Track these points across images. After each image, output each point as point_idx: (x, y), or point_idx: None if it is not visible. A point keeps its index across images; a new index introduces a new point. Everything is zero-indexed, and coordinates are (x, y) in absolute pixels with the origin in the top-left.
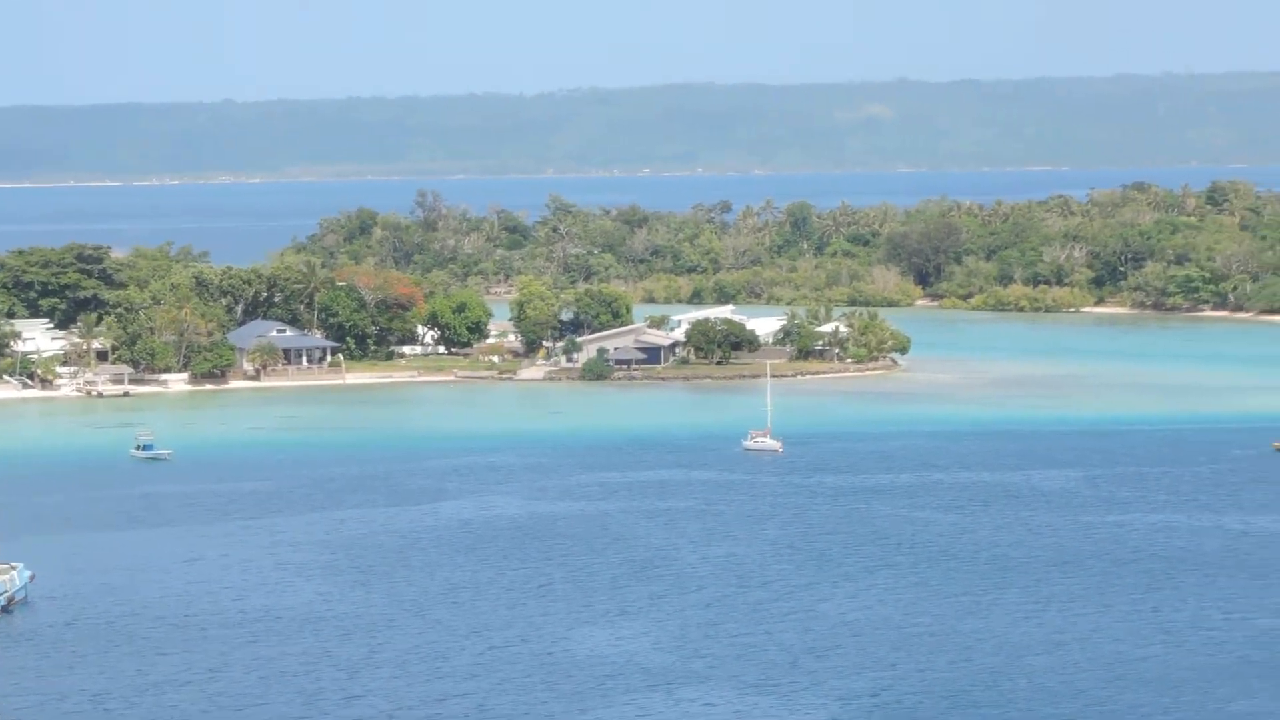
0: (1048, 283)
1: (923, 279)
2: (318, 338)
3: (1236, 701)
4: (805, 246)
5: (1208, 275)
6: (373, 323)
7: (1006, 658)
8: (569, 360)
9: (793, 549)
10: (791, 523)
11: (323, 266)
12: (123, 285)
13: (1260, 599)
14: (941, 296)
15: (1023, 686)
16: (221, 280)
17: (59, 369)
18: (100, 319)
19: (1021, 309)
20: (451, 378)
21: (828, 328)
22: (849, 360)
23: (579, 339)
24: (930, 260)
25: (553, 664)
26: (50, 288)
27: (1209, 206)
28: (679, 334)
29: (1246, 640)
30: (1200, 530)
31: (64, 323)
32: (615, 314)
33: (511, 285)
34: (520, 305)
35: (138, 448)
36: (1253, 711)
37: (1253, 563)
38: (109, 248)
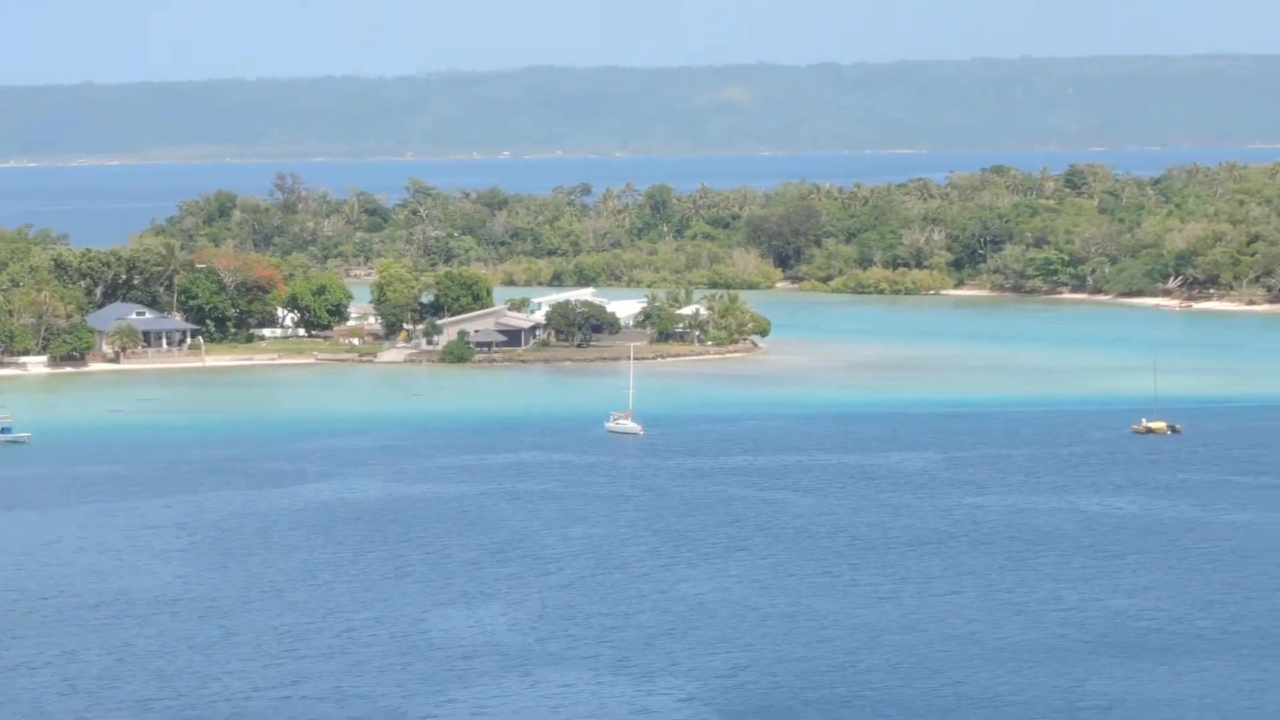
0: (907, 265)
1: (783, 262)
2: (177, 320)
3: (1091, 680)
4: (665, 229)
5: (1066, 258)
6: (232, 305)
7: (863, 638)
8: (429, 343)
9: (651, 531)
10: (650, 504)
11: (182, 249)
12: None
13: (1115, 580)
14: (801, 279)
15: (878, 666)
16: (80, 263)
17: None
18: None
19: (881, 291)
20: (311, 360)
21: (688, 310)
22: (709, 343)
23: (439, 321)
24: (790, 243)
25: (409, 646)
26: None
27: (1067, 189)
28: (539, 316)
29: (1101, 620)
30: (1057, 512)
31: None
32: (476, 296)
33: (371, 268)
34: (380, 288)
35: None
36: (1107, 691)
37: (1108, 544)
38: None
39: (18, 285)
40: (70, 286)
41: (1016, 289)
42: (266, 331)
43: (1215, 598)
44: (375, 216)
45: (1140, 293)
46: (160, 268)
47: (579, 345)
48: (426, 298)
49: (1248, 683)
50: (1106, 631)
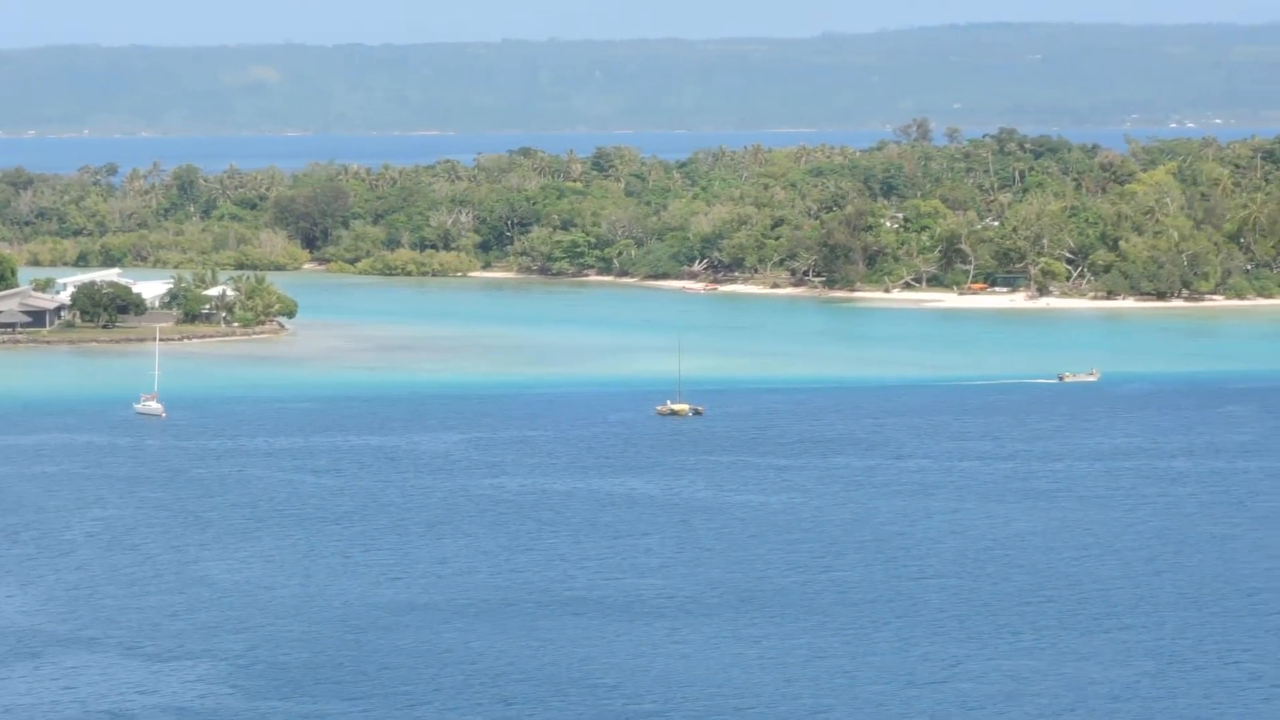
0: (435, 247)
1: (310, 243)
2: None
3: (604, 656)
4: (193, 210)
5: (593, 240)
6: None
7: (376, 618)
8: None
9: (169, 512)
10: (169, 486)
11: None
12: None
13: (629, 558)
14: (329, 261)
15: (392, 646)
16: None
17: None
18: None
19: (409, 273)
20: None
21: (215, 291)
22: (236, 324)
23: None
24: (318, 224)
25: None
26: None
27: (594, 172)
28: (65, 297)
29: (615, 597)
30: (576, 493)
31: None
32: (0, 277)
33: None
34: None
35: None
36: (619, 665)
37: (624, 524)
38: None
39: None
40: None
41: (544, 271)
42: None
43: (726, 576)
44: None
45: (666, 275)
46: None
47: (105, 326)
48: None
49: (756, 659)
50: (620, 609)
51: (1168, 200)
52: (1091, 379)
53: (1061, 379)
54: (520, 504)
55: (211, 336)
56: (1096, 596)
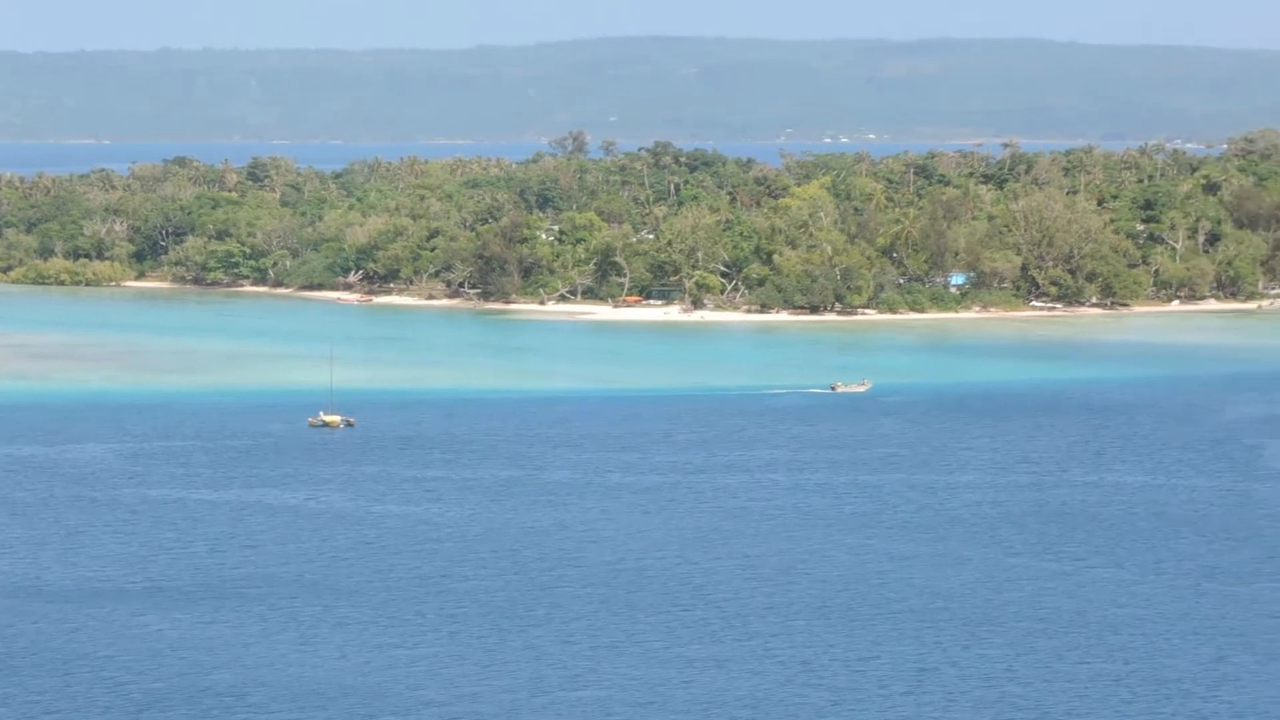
0: (89, 256)
1: None
2: None
3: (223, 668)
4: None
5: (248, 250)
6: None
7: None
8: None
9: None
10: None
11: None
12: None
13: (262, 568)
14: None
15: (12, 651)
16: None
17: None
18: None
19: (62, 283)
20: None
21: None
22: None
23: None
24: None
25: None
26: None
27: (250, 182)
28: None
29: (248, 608)
30: (215, 503)
31: None
32: None
33: None
34: None
35: None
36: (231, 662)
37: (257, 532)
38: None
39: None
40: None
41: (198, 281)
42: None
43: (364, 584)
44: None
45: (322, 286)
46: None
47: None
48: None
49: (386, 666)
50: (255, 616)
51: (821, 214)
52: (862, 389)
53: (834, 389)
54: (161, 513)
55: None
56: (730, 605)
